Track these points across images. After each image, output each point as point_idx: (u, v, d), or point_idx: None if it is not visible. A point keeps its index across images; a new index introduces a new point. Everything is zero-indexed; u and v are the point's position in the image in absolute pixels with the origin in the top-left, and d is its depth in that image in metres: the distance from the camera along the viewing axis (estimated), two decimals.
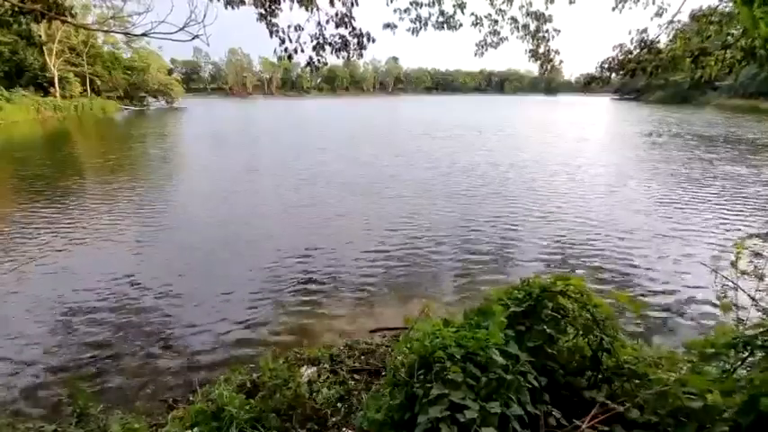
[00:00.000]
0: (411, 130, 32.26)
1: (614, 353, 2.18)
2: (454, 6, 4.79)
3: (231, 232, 9.43)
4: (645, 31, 4.18)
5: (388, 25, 4.73)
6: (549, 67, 5.02)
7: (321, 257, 7.92)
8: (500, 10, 4.90)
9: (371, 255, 8.07)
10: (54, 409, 4.09)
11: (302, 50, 4.06)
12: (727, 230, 9.34)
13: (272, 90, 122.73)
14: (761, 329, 1.81)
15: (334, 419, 3.36)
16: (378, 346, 4.83)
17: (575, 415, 1.84)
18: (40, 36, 38.20)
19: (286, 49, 3.99)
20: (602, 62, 4.55)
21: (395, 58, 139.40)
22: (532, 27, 4.86)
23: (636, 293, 6.50)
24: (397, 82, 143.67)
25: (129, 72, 54.70)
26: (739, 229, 9.35)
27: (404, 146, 23.26)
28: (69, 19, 4.19)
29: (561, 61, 4.98)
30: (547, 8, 4.76)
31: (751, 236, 8.92)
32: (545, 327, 2.23)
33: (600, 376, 2.17)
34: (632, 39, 4.26)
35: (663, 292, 6.58)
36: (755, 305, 2.38)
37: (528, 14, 4.83)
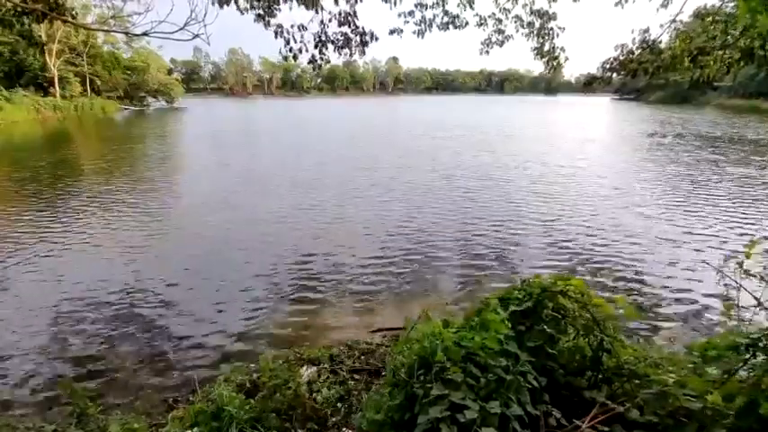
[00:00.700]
0: (411, 130, 32.27)
1: (615, 353, 2.18)
2: (460, 5, 4.78)
3: (231, 233, 9.43)
4: (647, 30, 4.18)
5: (393, 31, 4.72)
6: (554, 65, 5.00)
7: (321, 258, 7.92)
8: (504, 9, 4.90)
9: (372, 255, 8.07)
10: (54, 410, 4.09)
11: (306, 50, 4.07)
12: (735, 231, 9.30)
13: (272, 90, 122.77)
14: (764, 332, 1.80)
15: (334, 419, 3.36)
16: (378, 346, 4.83)
17: (575, 415, 1.84)
18: (41, 36, 38.16)
19: (291, 49, 4.00)
20: (604, 62, 4.54)
21: (395, 58, 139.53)
22: (537, 24, 4.86)
23: (637, 294, 6.51)
24: (396, 82, 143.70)
25: (129, 72, 54.72)
26: (746, 232, 9.28)
27: (404, 146, 23.27)
28: (70, 19, 4.20)
29: (567, 58, 4.96)
30: (550, 6, 4.76)
31: (761, 238, 8.91)
32: (545, 327, 2.23)
33: (600, 376, 2.17)
34: (634, 38, 4.25)
35: (665, 293, 6.57)
36: (760, 306, 2.38)
37: (532, 12, 4.83)
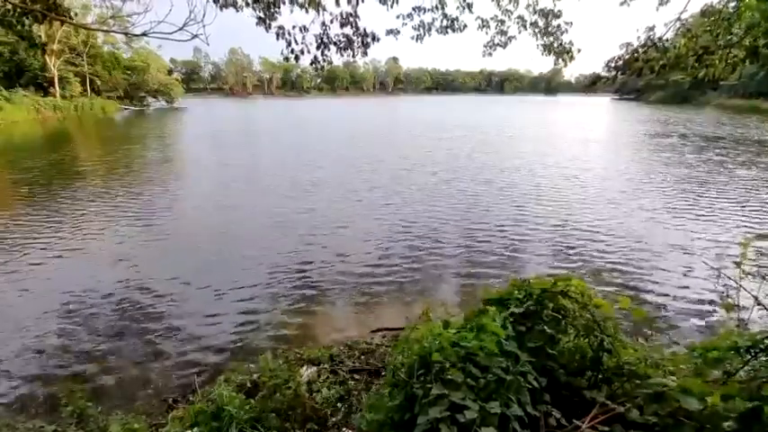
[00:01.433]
0: (411, 130, 32.28)
1: (615, 353, 2.18)
2: (459, 8, 4.71)
3: (231, 233, 9.43)
4: (653, 28, 4.15)
5: (390, 32, 4.66)
6: (567, 58, 4.94)
7: (322, 258, 7.91)
8: (506, 11, 4.85)
9: (372, 256, 8.07)
10: (54, 410, 4.08)
11: (308, 51, 4.07)
12: (744, 234, 9.25)
13: (272, 90, 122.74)
14: (765, 333, 1.80)
15: (334, 419, 3.36)
16: (378, 346, 4.84)
17: (575, 415, 1.84)
18: (41, 36, 38.17)
19: (293, 51, 3.99)
20: (609, 61, 4.50)
21: (395, 59, 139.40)
22: (541, 24, 4.81)
23: (638, 293, 6.50)
24: (396, 82, 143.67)
25: (129, 72, 54.70)
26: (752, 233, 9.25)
27: (404, 146, 23.27)
28: (69, 19, 4.19)
29: (579, 50, 4.89)
30: (555, 5, 4.72)
31: (757, 236, 8.91)
32: (546, 327, 2.22)
33: (600, 376, 2.17)
34: (639, 36, 4.22)
35: (666, 293, 6.57)
36: (759, 305, 2.38)
37: (536, 12, 4.77)
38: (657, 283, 6.90)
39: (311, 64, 4.23)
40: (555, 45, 4.88)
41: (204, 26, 3.57)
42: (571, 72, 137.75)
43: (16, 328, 5.60)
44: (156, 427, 3.62)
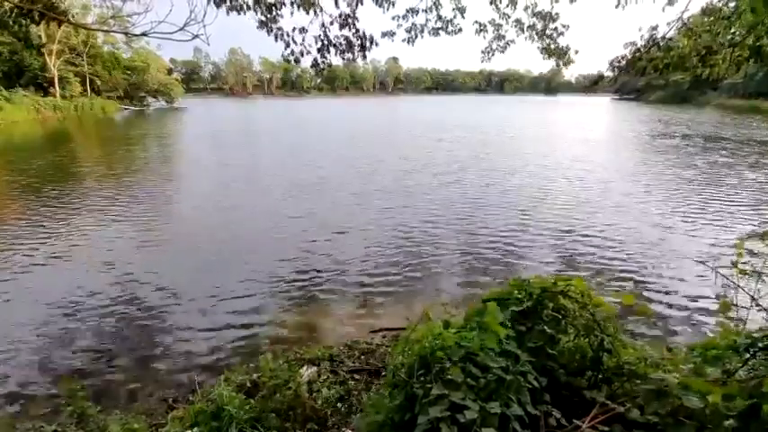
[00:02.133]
0: (411, 130, 32.28)
1: (615, 353, 2.18)
2: (454, 10, 4.71)
3: (231, 233, 9.43)
4: (656, 28, 4.15)
5: (386, 33, 4.67)
6: (565, 61, 4.95)
7: (322, 258, 7.92)
8: (504, 14, 4.84)
9: (373, 256, 8.07)
10: (54, 410, 4.08)
11: (308, 53, 4.06)
12: (744, 232, 9.23)
13: (272, 90, 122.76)
14: (764, 332, 1.80)
15: (334, 419, 3.36)
16: (378, 346, 4.84)
17: (575, 415, 1.84)
18: (40, 37, 38.11)
19: (292, 52, 3.99)
20: (612, 60, 4.50)
21: (395, 59, 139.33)
22: (539, 27, 4.81)
23: (639, 293, 6.50)
24: (396, 82, 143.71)
25: (129, 72, 54.69)
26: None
27: (404, 146, 23.27)
28: (66, 20, 4.18)
29: (577, 51, 4.90)
30: (552, 7, 4.72)
31: (751, 235, 8.91)
32: (546, 327, 2.22)
33: (600, 376, 2.17)
34: (642, 36, 4.21)
35: (667, 293, 6.57)
36: (756, 305, 2.38)
37: (534, 15, 4.77)
38: (657, 282, 6.91)
39: (312, 66, 4.23)
40: (553, 47, 4.90)
41: (204, 26, 3.56)
42: (571, 72, 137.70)
43: (16, 328, 5.61)
44: (156, 427, 3.62)
